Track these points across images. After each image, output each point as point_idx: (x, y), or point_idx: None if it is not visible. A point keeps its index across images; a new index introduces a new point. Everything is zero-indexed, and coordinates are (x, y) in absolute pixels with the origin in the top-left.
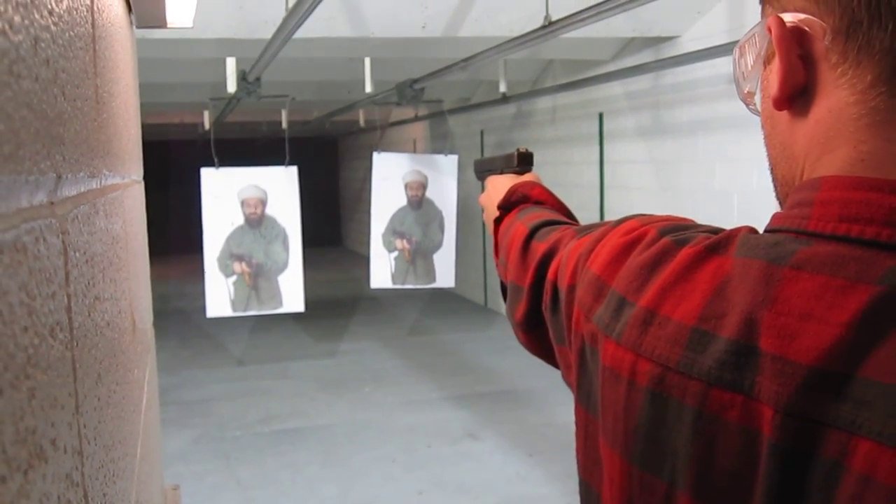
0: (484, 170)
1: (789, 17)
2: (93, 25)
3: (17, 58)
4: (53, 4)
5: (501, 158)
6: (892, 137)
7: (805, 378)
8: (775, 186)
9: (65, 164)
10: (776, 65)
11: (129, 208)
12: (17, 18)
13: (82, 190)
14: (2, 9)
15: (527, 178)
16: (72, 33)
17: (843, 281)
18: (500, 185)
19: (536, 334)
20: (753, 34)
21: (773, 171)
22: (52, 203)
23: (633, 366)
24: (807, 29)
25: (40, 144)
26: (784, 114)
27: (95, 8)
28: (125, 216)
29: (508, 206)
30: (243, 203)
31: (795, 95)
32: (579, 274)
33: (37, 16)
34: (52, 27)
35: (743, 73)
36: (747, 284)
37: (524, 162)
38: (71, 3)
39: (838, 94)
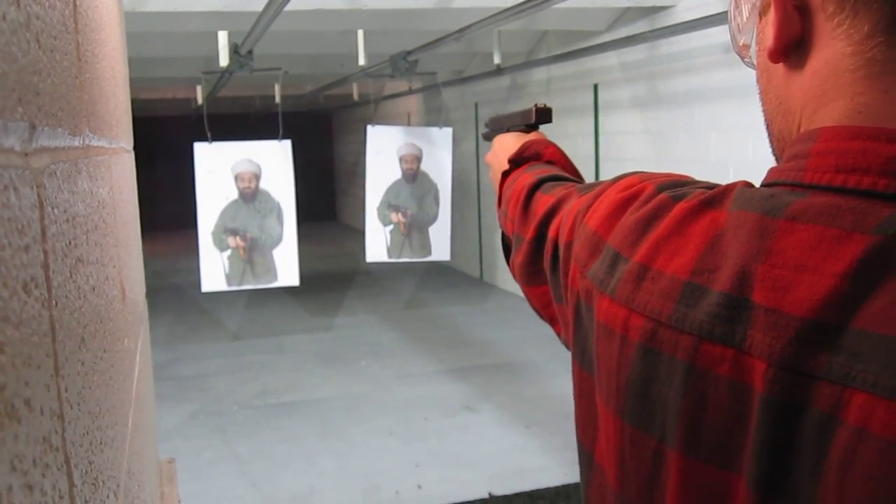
0: (498, 127)
1: None
2: None
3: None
4: None
5: (518, 115)
6: (889, 88)
7: (798, 330)
8: (771, 143)
9: (40, 114)
10: (772, 16)
11: (118, 175)
12: None
13: (61, 146)
14: None
15: (535, 135)
16: None
17: (838, 231)
18: (507, 144)
19: (535, 290)
20: None
21: (769, 126)
22: (25, 154)
23: (626, 321)
24: None
25: (9, 89)
26: (780, 67)
27: None
28: (113, 182)
29: (519, 160)
30: (237, 177)
31: (791, 47)
32: (577, 230)
33: None
34: None
35: (738, 25)
36: (741, 237)
37: (543, 117)
38: None
39: (835, 45)
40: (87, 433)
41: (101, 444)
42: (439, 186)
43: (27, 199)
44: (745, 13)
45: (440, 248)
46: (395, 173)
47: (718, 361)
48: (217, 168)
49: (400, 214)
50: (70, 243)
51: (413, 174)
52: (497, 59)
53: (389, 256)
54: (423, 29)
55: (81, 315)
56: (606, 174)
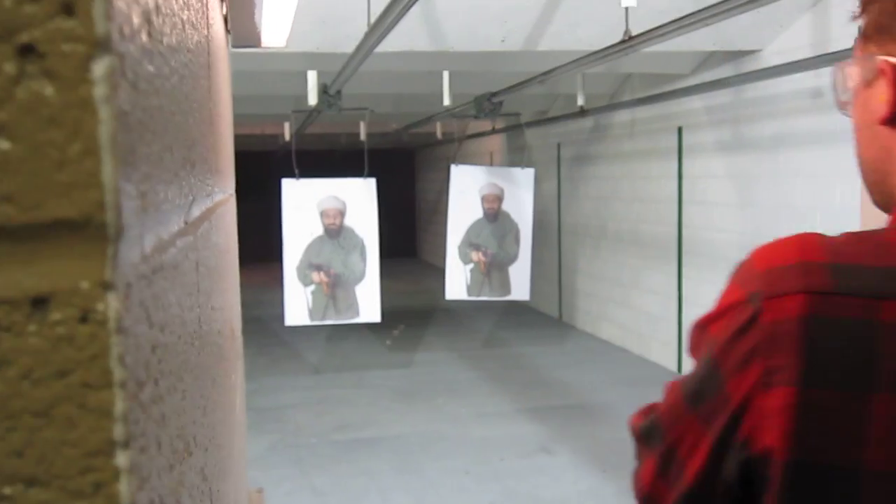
0: None
1: (894, 60)
2: (209, 54)
3: (179, 97)
4: (191, 43)
5: None
6: None
7: None
8: (868, 188)
9: (196, 184)
10: (883, 92)
11: (228, 221)
12: (176, 60)
13: (203, 209)
14: (172, 56)
15: None
16: (198, 64)
17: None
18: None
19: None
20: (856, 61)
21: (864, 176)
22: (186, 223)
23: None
24: None
25: (185, 171)
26: (884, 127)
27: (209, 36)
28: (226, 229)
29: None
30: (323, 214)
31: None
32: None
33: (182, 56)
34: (190, 63)
35: (841, 86)
36: None
37: None
38: (198, 37)
39: None
40: (216, 464)
41: (223, 473)
42: (520, 226)
43: (192, 264)
44: (849, 79)
45: (519, 287)
46: (477, 212)
47: None
48: (303, 204)
49: (480, 253)
50: (209, 294)
51: (494, 214)
52: (580, 101)
53: (469, 295)
54: (507, 71)
55: (212, 358)
56: (689, 218)
